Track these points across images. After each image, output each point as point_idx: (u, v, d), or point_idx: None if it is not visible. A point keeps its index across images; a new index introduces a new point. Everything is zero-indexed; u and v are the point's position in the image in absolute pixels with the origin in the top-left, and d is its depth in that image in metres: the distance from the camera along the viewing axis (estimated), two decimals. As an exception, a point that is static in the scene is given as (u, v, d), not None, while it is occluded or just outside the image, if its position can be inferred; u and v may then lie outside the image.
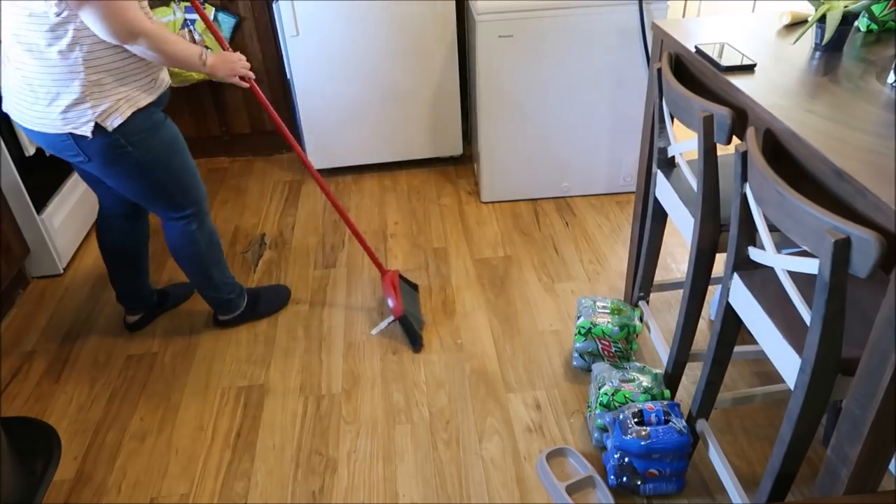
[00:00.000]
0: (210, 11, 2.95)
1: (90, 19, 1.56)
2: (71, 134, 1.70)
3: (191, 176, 1.95)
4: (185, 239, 2.03)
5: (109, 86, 1.68)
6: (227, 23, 3.01)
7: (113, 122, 1.70)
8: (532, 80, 2.66)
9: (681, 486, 1.68)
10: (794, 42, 1.64)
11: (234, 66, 1.88)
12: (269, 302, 2.36)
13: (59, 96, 1.65)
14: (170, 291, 2.43)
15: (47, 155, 2.49)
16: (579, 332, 1.98)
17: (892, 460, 1.32)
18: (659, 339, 1.95)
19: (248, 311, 2.31)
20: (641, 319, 2.03)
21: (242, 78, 1.92)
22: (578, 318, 2.00)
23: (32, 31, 1.59)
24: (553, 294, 2.39)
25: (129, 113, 1.72)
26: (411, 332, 2.17)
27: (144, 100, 1.76)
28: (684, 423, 1.62)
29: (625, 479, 1.66)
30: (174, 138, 1.88)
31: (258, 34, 3.09)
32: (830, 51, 1.58)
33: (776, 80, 1.46)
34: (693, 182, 1.58)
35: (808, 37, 1.63)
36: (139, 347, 2.25)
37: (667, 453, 1.60)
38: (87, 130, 1.69)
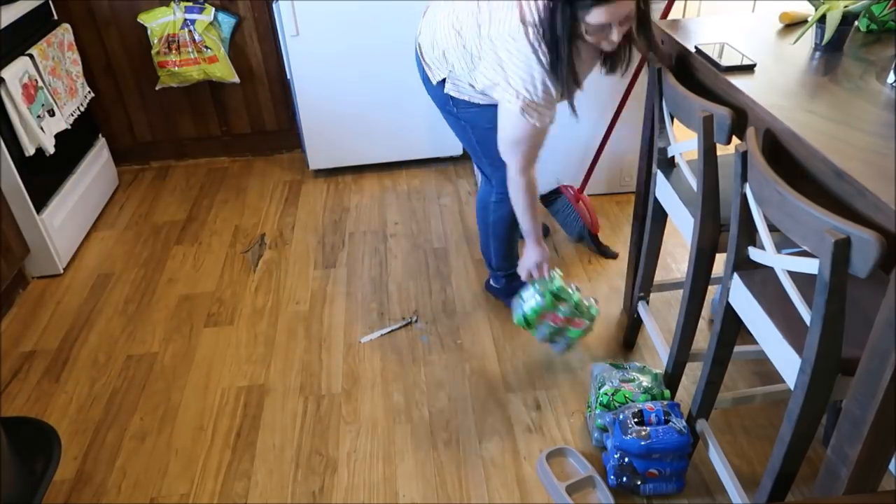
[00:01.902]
0: (210, 11, 2.95)
1: (509, 128, 1.82)
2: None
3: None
4: (483, 199, 2.20)
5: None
6: (227, 23, 3.01)
7: (449, 91, 1.93)
8: (532, 80, 2.65)
9: (681, 486, 1.68)
10: (794, 42, 1.64)
11: (539, 267, 2.03)
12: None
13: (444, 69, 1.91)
14: None
15: (49, 154, 2.50)
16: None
17: (892, 460, 1.32)
18: (659, 339, 1.95)
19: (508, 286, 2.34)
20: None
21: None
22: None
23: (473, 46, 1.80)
24: (553, 294, 2.39)
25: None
26: (602, 245, 2.56)
27: None
28: (684, 423, 1.62)
29: (625, 479, 1.66)
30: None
31: (258, 34, 3.09)
32: (830, 51, 1.58)
33: (776, 80, 1.46)
34: (693, 182, 1.58)
35: (808, 37, 1.63)
36: (139, 347, 2.25)
37: (667, 453, 1.60)
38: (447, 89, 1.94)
